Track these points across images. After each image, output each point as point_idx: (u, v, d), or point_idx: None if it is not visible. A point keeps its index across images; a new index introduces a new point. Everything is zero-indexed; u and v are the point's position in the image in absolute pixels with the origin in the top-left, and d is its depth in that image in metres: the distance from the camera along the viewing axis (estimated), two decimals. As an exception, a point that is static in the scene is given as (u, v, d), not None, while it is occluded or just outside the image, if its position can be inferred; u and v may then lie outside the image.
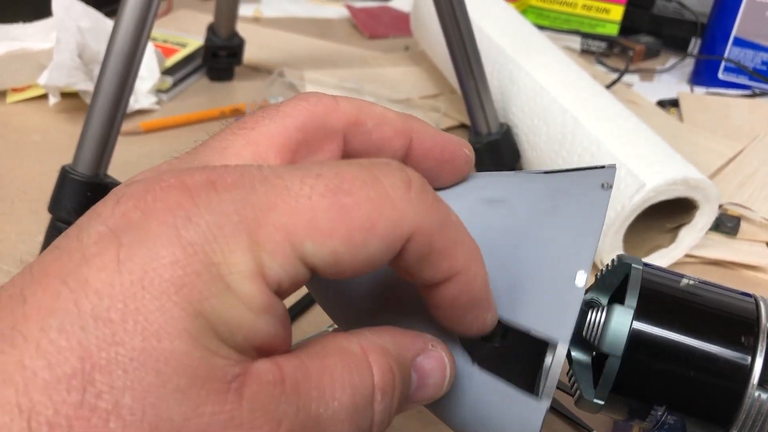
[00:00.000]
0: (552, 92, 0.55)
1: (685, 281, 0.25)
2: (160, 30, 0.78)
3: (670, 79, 0.85)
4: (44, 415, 0.13)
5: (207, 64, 0.72)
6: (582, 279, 0.19)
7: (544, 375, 0.20)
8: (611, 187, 0.20)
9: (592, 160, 0.48)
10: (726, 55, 0.80)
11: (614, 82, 0.76)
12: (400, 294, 0.21)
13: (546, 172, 0.24)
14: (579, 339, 0.25)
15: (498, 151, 0.56)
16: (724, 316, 0.24)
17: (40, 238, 0.44)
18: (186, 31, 0.79)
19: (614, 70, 0.83)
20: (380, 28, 0.92)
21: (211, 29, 0.70)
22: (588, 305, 0.25)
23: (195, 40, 0.75)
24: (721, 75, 0.81)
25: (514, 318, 0.20)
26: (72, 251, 0.16)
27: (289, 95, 0.69)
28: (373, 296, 0.22)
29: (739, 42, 0.79)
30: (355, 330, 0.19)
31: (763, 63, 0.79)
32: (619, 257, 0.26)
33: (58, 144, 0.58)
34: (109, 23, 0.63)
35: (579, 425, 0.35)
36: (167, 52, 0.72)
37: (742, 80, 0.81)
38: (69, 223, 0.41)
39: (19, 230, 0.47)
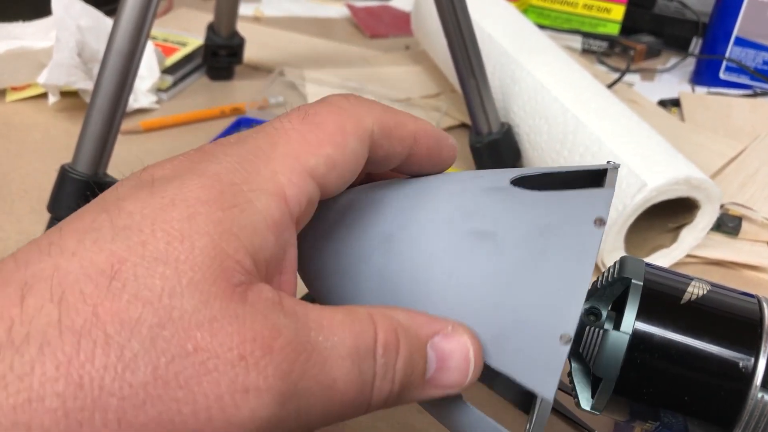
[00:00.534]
0: (553, 92, 0.55)
1: (690, 288, 0.24)
2: (160, 29, 0.78)
3: (672, 78, 0.84)
4: (72, 301, 0.15)
5: (207, 63, 0.72)
6: (567, 340, 0.19)
7: (530, 419, 0.21)
8: (605, 223, 0.20)
9: (593, 160, 0.48)
10: (727, 54, 0.80)
11: (615, 82, 0.76)
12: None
13: (544, 173, 0.24)
14: (577, 352, 0.25)
15: (499, 150, 0.56)
16: (728, 318, 0.24)
17: (40, 237, 0.44)
18: (186, 30, 0.79)
19: (615, 69, 0.83)
20: (381, 27, 0.92)
21: (212, 28, 0.70)
22: (588, 313, 0.25)
23: (195, 39, 0.75)
24: (722, 75, 0.81)
25: (501, 366, 0.20)
26: (107, 194, 0.19)
27: (289, 95, 0.69)
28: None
29: (741, 42, 0.79)
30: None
31: (765, 63, 0.79)
32: (621, 262, 0.26)
33: (58, 143, 0.58)
34: (108, 22, 0.62)
35: (580, 426, 0.35)
36: (167, 51, 0.71)
37: (744, 80, 0.80)
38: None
39: (19, 229, 0.47)
